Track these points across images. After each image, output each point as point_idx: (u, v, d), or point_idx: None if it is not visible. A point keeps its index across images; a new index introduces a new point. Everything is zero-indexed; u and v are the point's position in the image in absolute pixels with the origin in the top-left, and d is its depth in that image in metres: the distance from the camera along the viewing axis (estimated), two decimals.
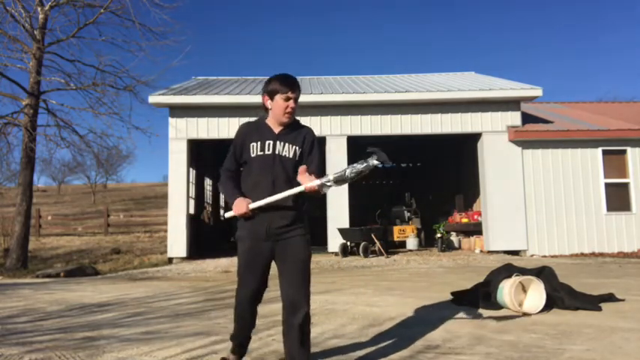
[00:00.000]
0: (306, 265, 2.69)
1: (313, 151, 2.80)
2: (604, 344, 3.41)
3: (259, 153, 2.73)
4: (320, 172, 2.74)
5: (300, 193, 2.64)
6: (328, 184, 2.60)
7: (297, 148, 2.75)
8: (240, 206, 2.65)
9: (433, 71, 20.62)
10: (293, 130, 2.80)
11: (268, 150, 2.72)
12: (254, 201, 2.66)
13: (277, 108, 2.75)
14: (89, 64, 12.89)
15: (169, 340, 3.73)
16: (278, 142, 2.73)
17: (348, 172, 2.59)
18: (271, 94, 2.77)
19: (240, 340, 2.94)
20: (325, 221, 11.89)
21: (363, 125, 12.02)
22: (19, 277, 10.36)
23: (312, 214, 13.16)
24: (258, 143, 2.74)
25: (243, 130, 2.84)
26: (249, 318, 2.85)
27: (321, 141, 12.10)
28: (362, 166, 2.62)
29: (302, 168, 2.69)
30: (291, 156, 2.73)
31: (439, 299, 5.29)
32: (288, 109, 2.73)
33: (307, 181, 2.61)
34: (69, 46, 12.87)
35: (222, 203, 20.18)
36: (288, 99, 2.73)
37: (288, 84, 2.73)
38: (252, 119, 2.95)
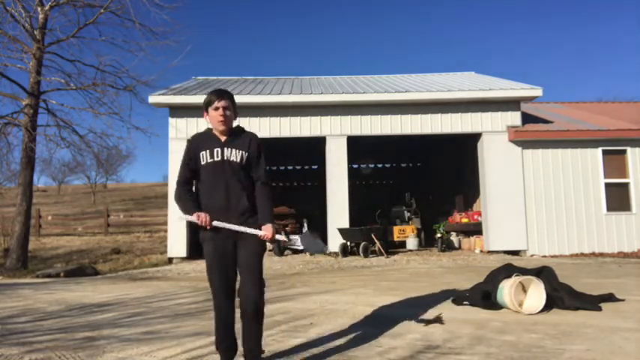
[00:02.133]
0: (260, 257, 2.97)
1: (260, 160, 3.05)
2: (604, 344, 3.41)
3: (209, 160, 2.96)
4: (266, 179, 3.05)
5: (244, 179, 2.99)
6: (281, 240, 3.09)
7: (243, 152, 2.99)
8: (204, 219, 2.86)
9: (433, 71, 20.64)
10: (238, 136, 3.06)
11: (217, 157, 2.96)
12: (212, 204, 2.92)
13: (212, 119, 3.02)
14: (89, 64, 12.91)
15: (169, 340, 3.73)
16: (225, 149, 2.98)
17: (298, 245, 3.07)
18: (206, 108, 3.05)
19: (228, 344, 3.00)
20: (325, 221, 11.89)
21: (363, 125, 12.02)
22: (19, 277, 10.36)
23: (312, 214, 13.15)
24: (207, 152, 2.97)
25: (193, 141, 3.07)
26: (228, 310, 2.98)
27: (321, 140, 12.11)
28: (311, 248, 3.06)
29: (265, 226, 2.94)
30: (238, 160, 2.97)
31: (439, 299, 5.29)
32: (219, 118, 2.97)
33: (266, 232, 2.92)
34: (69, 46, 12.89)
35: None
36: (216, 108, 2.98)
37: (215, 95, 3.00)
38: (198, 133, 3.19)
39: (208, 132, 3.09)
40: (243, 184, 2.97)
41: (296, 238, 2.73)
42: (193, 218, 2.86)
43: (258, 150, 3.05)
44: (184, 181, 3.02)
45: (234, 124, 3.14)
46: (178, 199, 3.02)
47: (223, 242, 2.92)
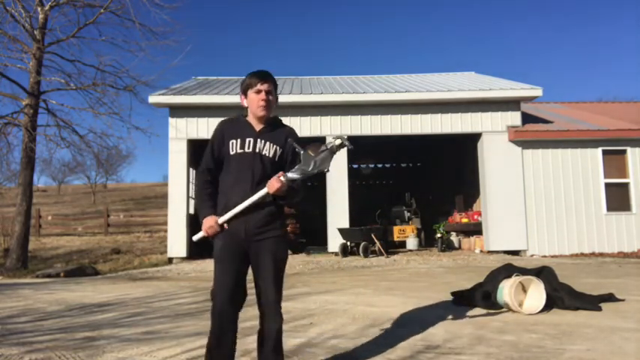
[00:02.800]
0: (281, 268, 2.62)
1: (291, 158, 2.70)
2: (604, 344, 3.41)
3: (239, 150, 2.64)
4: (297, 195, 2.67)
5: (270, 195, 2.56)
6: (292, 172, 2.56)
7: (277, 147, 2.67)
8: (209, 225, 2.56)
9: (433, 71, 20.64)
10: (274, 128, 2.73)
11: (248, 148, 2.64)
12: (234, 200, 2.57)
13: (251, 103, 2.69)
14: (89, 64, 12.91)
15: (169, 340, 3.73)
16: (259, 140, 2.66)
17: (312, 165, 2.55)
18: (245, 91, 2.73)
19: None
20: (325, 221, 11.90)
21: (363, 125, 12.02)
22: (19, 277, 10.36)
23: (312, 214, 13.17)
24: (238, 140, 2.65)
25: (223, 126, 2.75)
26: (230, 327, 2.56)
27: (321, 140, 12.07)
28: (324, 154, 2.57)
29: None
30: (271, 155, 2.65)
31: (439, 299, 5.29)
32: (261, 102, 2.65)
33: (272, 182, 2.53)
34: (69, 46, 12.89)
35: None
36: (259, 91, 2.66)
37: (257, 76, 2.68)
38: (229, 117, 2.85)
39: (241, 118, 2.77)
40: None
41: (295, 170, 2.30)
42: (200, 235, 2.61)
43: (293, 152, 2.69)
44: (206, 171, 2.72)
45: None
46: (197, 193, 2.76)
47: (234, 240, 2.59)
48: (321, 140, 12.09)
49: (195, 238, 2.64)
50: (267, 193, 2.54)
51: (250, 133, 2.67)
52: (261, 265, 2.57)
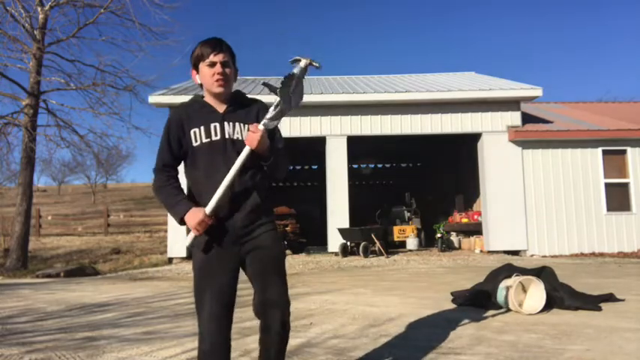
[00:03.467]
0: (282, 261, 2.28)
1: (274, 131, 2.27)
2: (604, 344, 3.41)
3: (205, 140, 2.18)
4: (280, 143, 2.28)
5: (253, 160, 2.16)
6: (270, 118, 2.15)
7: (249, 126, 2.17)
8: (197, 219, 2.08)
9: (433, 71, 20.64)
10: (242, 106, 2.27)
11: (215, 135, 2.18)
12: (209, 198, 2.11)
13: (205, 78, 2.22)
14: (89, 64, 12.94)
15: (169, 340, 3.73)
16: (226, 124, 2.20)
17: (291, 101, 2.21)
18: (196, 66, 2.24)
19: None
20: (325, 221, 11.89)
21: (363, 125, 12.01)
22: (19, 277, 10.36)
23: (311, 214, 13.20)
24: (202, 128, 2.18)
25: (178, 115, 2.24)
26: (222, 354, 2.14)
27: (321, 140, 12.10)
28: (297, 71, 2.22)
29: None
30: (244, 138, 2.17)
31: (439, 299, 5.29)
32: (217, 76, 2.18)
33: (250, 135, 2.11)
34: (69, 46, 12.91)
35: None
36: (212, 64, 2.18)
37: (209, 45, 2.20)
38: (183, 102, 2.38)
39: (198, 101, 2.29)
40: (254, 172, 2.20)
41: (272, 113, 2.02)
42: (192, 236, 2.14)
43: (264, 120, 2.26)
44: (163, 165, 2.22)
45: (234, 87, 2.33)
46: (160, 192, 2.20)
47: (223, 248, 2.15)
48: (321, 140, 12.15)
49: (187, 242, 2.16)
50: (249, 153, 2.12)
51: (214, 117, 2.21)
52: (257, 265, 2.20)
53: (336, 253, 11.43)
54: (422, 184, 19.06)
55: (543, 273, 4.83)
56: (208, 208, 2.10)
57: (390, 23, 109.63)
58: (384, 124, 12.05)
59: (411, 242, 12.24)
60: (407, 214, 13.25)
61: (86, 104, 12.96)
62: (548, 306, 4.52)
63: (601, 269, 8.33)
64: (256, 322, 2.17)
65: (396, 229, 12.56)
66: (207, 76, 2.21)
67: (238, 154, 2.14)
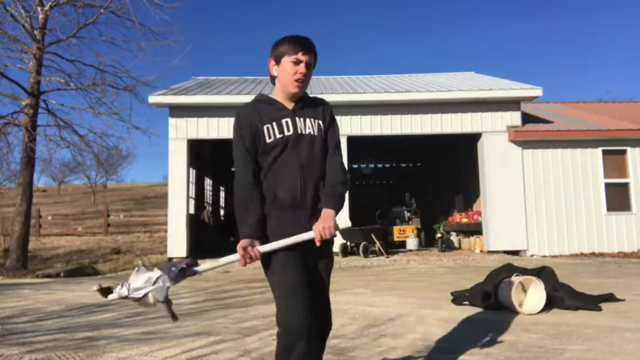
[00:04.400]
0: (329, 277, 2.26)
1: (334, 126, 2.26)
2: (604, 344, 3.41)
3: (278, 136, 2.13)
4: (339, 146, 2.24)
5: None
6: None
7: (320, 122, 2.20)
8: (245, 252, 2.02)
9: (433, 71, 20.65)
10: (308, 104, 2.24)
11: (288, 130, 2.13)
12: (281, 197, 2.09)
13: (284, 74, 2.15)
14: (89, 64, 12.92)
15: (169, 340, 3.73)
16: (297, 119, 2.16)
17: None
18: (278, 58, 2.17)
19: None
20: None
21: (363, 125, 12.01)
22: (19, 277, 10.36)
23: None
24: (274, 124, 2.13)
25: (247, 113, 2.18)
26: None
27: None
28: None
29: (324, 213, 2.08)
30: (316, 133, 2.17)
31: (439, 299, 5.29)
32: (298, 76, 2.12)
33: (317, 230, 2.01)
34: (69, 46, 12.89)
35: (222, 203, 20.17)
36: (297, 62, 2.12)
37: (299, 43, 2.13)
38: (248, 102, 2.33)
39: (263, 98, 2.25)
40: (323, 167, 2.17)
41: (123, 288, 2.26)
42: (233, 258, 2.07)
43: (332, 117, 2.27)
44: (247, 170, 2.11)
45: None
46: (243, 206, 2.10)
47: (297, 249, 2.07)
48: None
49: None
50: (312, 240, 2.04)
51: (284, 113, 2.17)
52: (316, 275, 2.17)
53: (336, 253, 11.44)
54: (422, 184, 19.06)
55: (543, 273, 4.84)
56: (263, 249, 2.03)
57: (390, 23, 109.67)
58: (384, 124, 12.05)
59: (411, 242, 12.24)
60: (407, 214, 13.25)
61: (86, 104, 12.96)
62: (548, 306, 4.52)
63: (601, 269, 8.33)
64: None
65: (396, 229, 12.55)
66: (288, 73, 2.14)
67: (312, 148, 2.15)
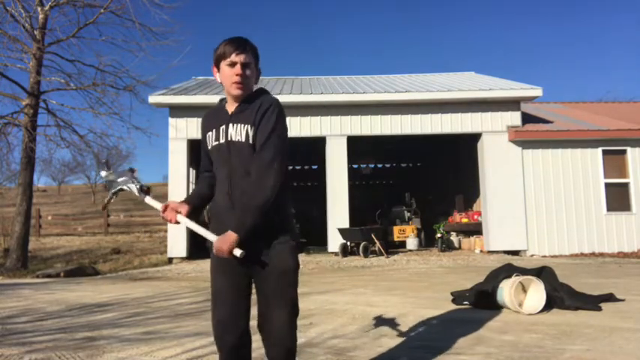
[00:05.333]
0: (293, 278, 2.08)
1: (263, 124, 2.07)
2: (604, 344, 3.41)
3: (214, 143, 2.16)
4: (267, 147, 2.05)
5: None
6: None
7: (248, 127, 2.08)
8: (166, 207, 2.18)
9: (433, 71, 20.66)
10: (249, 104, 2.14)
11: (223, 138, 2.13)
12: (217, 202, 2.16)
13: (224, 78, 2.15)
14: (89, 64, 12.91)
15: (169, 340, 3.73)
16: (231, 125, 2.12)
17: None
18: (217, 64, 2.17)
19: None
20: (325, 221, 11.89)
21: (363, 125, 12.02)
22: (19, 277, 10.36)
23: (311, 214, 13.19)
24: (214, 131, 2.17)
25: (203, 119, 2.29)
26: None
27: (321, 140, 12.08)
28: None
29: None
30: (244, 139, 2.08)
31: (439, 299, 5.29)
32: (235, 78, 2.09)
33: (219, 242, 1.97)
34: (69, 46, 12.90)
35: None
36: (232, 64, 2.10)
37: (232, 45, 2.11)
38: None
39: (221, 104, 2.26)
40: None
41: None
42: (157, 205, 2.24)
43: (263, 114, 2.08)
44: (204, 171, 2.32)
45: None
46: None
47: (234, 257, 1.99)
48: (321, 140, 12.15)
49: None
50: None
51: (224, 119, 2.16)
52: (263, 281, 2.09)
53: (336, 253, 11.44)
54: (422, 184, 19.06)
55: (543, 273, 4.84)
56: (180, 218, 2.19)
57: (390, 23, 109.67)
58: (384, 124, 12.05)
59: (411, 242, 12.24)
60: (407, 214, 13.26)
61: (86, 104, 12.96)
62: (548, 306, 4.52)
63: (601, 269, 8.33)
64: (254, 323, 2.16)
65: (396, 229, 12.56)
66: (226, 76, 2.13)
67: (240, 156, 2.08)
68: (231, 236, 1.95)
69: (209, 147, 2.19)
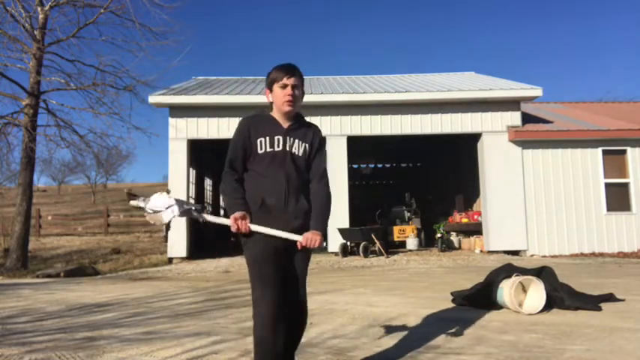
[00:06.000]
0: (306, 271, 2.59)
1: (320, 154, 2.62)
2: (604, 344, 3.41)
3: (269, 149, 2.49)
4: (326, 177, 2.60)
5: (302, 173, 2.54)
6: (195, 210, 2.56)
7: (307, 145, 2.56)
8: (240, 224, 2.40)
9: (433, 71, 20.66)
10: (301, 126, 2.61)
11: (278, 146, 2.50)
12: (270, 202, 2.45)
13: (277, 98, 2.55)
14: (89, 64, 12.92)
15: (169, 340, 3.73)
16: (288, 138, 2.52)
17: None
18: (270, 86, 2.59)
19: None
20: None
21: (363, 125, 12.02)
22: (19, 277, 10.36)
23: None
24: (267, 139, 2.50)
25: (247, 124, 2.56)
26: (278, 350, 2.34)
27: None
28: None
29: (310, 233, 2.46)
30: (301, 154, 2.53)
31: (439, 299, 5.29)
32: (287, 97, 2.51)
33: (307, 238, 2.41)
34: (69, 46, 12.91)
35: (222, 204, 20.16)
36: (284, 86, 2.51)
37: (283, 70, 2.53)
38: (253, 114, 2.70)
39: (265, 114, 2.61)
40: (303, 181, 2.54)
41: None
42: (228, 222, 2.42)
43: (320, 144, 2.61)
44: (231, 169, 2.53)
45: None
46: (225, 191, 2.52)
47: (275, 244, 2.43)
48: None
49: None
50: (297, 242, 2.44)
51: (278, 131, 2.53)
52: (292, 267, 2.52)
53: (336, 253, 11.44)
54: (422, 184, 19.06)
55: (543, 273, 4.84)
56: (254, 228, 2.41)
57: (390, 24, 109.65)
58: (384, 124, 12.06)
59: (411, 242, 12.24)
60: (407, 214, 13.26)
61: (86, 104, 12.97)
62: (548, 306, 4.52)
63: (601, 269, 8.33)
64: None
65: (396, 229, 12.56)
66: (279, 96, 2.53)
67: (296, 165, 2.51)
68: (319, 233, 2.44)
69: (260, 151, 2.50)
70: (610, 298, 4.93)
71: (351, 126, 12.02)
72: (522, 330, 3.87)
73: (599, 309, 4.54)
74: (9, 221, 14.24)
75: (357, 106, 11.98)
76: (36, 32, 12.38)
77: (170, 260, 11.52)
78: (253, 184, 2.50)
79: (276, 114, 2.59)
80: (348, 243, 11.38)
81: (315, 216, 2.49)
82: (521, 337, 3.66)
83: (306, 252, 2.51)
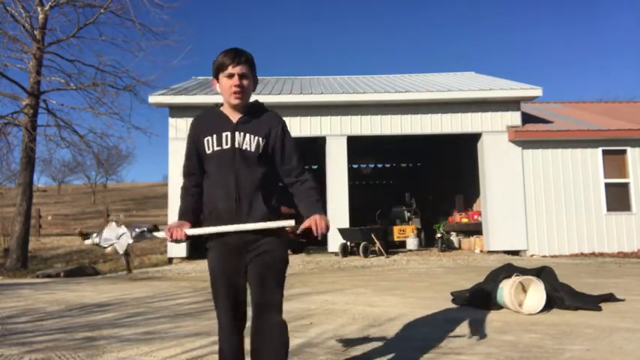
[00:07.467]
0: (282, 268, 2.29)
1: (286, 147, 2.30)
2: (604, 344, 3.41)
3: (216, 148, 2.24)
4: (301, 170, 2.35)
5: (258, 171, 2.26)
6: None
7: (259, 139, 2.24)
8: (173, 231, 2.23)
9: (433, 71, 20.65)
10: (256, 116, 2.30)
11: (226, 144, 2.24)
12: (219, 206, 2.23)
13: (223, 90, 2.27)
14: (89, 64, 12.95)
15: (169, 340, 3.73)
16: (237, 133, 2.24)
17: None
18: (216, 75, 2.30)
19: None
20: None
21: (363, 125, 12.01)
22: (19, 277, 10.36)
23: None
24: (214, 136, 2.25)
25: (194, 123, 2.35)
26: (234, 352, 2.24)
27: (321, 140, 12.08)
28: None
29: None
30: (253, 149, 2.23)
31: (439, 299, 5.29)
32: (234, 88, 2.22)
33: (318, 218, 2.22)
34: (69, 46, 12.93)
35: None
36: (230, 75, 2.23)
37: (229, 57, 2.23)
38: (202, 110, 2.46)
39: (216, 109, 2.36)
40: (260, 181, 2.24)
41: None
42: (162, 234, 2.30)
43: (282, 132, 2.29)
44: (188, 174, 2.36)
45: (252, 98, 2.35)
46: (181, 199, 2.38)
47: (232, 253, 2.23)
48: (321, 140, 12.17)
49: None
50: (289, 228, 2.26)
51: (227, 126, 2.26)
52: (257, 269, 2.25)
53: (336, 253, 11.43)
54: (422, 184, 19.05)
55: (543, 273, 4.84)
56: (190, 232, 2.24)
57: (390, 23, 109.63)
58: (384, 124, 12.05)
59: (411, 242, 12.24)
60: (407, 214, 13.25)
61: (86, 104, 12.99)
62: (548, 306, 4.52)
63: (601, 269, 8.33)
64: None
65: (396, 229, 12.55)
66: (225, 88, 2.26)
67: (247, 163, 2.22)
68: (325, 217, 2.25)
69: (208, 151, 2.26)
70: (610, 298, 4.92)
71: (351, 126, 12.02)
72: (522, 330, 3.87)
73: (599, 309, 4.54)
74: (9, 221, 14.23)
75: (357, 106, 11.98)
76: (36, 32, 12.38)
77: (170, 260, 11.52)
78: (207, 189, 2.30)
79: (226, 108, 2.33)
80: (348, 243, 11.37)
81: (313, 203, 2.32)
82: (521, 337, 3.66)
83: (276, 250, 2.26)
